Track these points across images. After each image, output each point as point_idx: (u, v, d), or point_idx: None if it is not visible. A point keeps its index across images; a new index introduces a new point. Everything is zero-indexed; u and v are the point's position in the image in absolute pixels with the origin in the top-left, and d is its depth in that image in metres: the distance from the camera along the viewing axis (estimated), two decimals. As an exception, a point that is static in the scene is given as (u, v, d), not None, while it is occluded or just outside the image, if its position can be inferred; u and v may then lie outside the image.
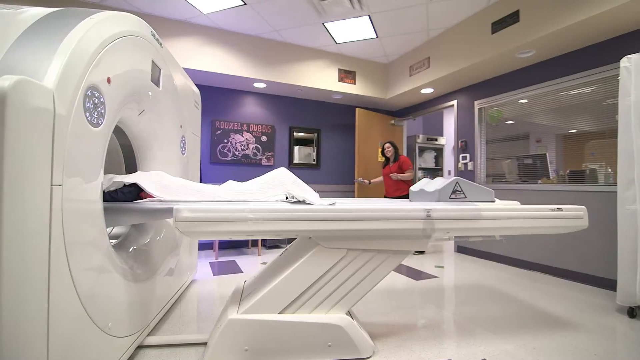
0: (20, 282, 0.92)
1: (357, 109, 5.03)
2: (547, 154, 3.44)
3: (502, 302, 2.48)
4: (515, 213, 1.73)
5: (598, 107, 3.03)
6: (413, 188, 2.15)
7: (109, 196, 1.62)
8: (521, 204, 1.91)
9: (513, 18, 3.14)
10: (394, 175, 4.05)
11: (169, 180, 1.73)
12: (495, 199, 1.93)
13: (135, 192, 1.69)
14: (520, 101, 3.73)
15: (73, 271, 1.11)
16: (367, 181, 4.56)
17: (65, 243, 1.08)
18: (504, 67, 3.68)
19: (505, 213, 1.71)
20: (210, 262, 3.72)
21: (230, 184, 1.82)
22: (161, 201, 1.61)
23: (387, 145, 4.27)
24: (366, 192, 5.06)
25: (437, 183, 1.96)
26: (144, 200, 1.74)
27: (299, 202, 1.64)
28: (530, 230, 1.80)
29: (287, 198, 1.74)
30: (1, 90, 0.87)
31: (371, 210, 1.54)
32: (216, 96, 4.52)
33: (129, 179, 1.65)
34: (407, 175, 4.04)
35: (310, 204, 1.58)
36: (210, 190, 1.71)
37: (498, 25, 3.29)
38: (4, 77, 0.89)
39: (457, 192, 1.88)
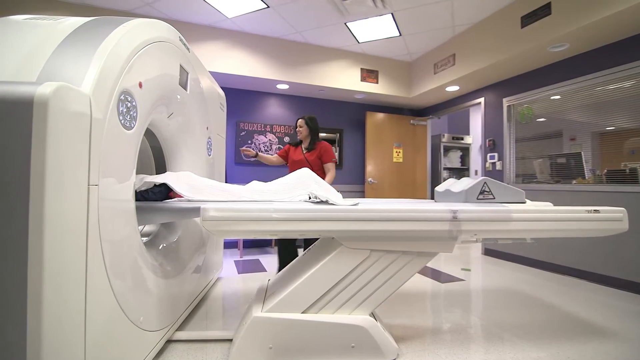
0: (60, 276, 0.97)
1: (367, 112, 5.03)
2: (582, 153, 3.26)
3: (533, 307, 2.38)
4: (548, 215, 1.65)
5: (638, 103, 2.84)
6: (438, 188, 2.09)
7: (140, 196, 1.69)
8: (554, 205, 1.82)
9: (544, 11, 3.00)
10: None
11: (197, 181, 1.78)
12: (526, 199, 1.86)
13: (165, 192, 1.76)
14: (552, 97, 3.56)
15: (108, 267, 1.17)
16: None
17: (101, 240, 1.13)
18: (535, 62, 3.53)
19: (537, 215, 1.64)
20: (235, 261, 3.80)
21: (255, 184, 1.85)
22: (189, 201, 1.66)
23: (300, 121, 2.90)
24: (378, 193, 5.00)
25: (464, 183, 1.91)
26: (173, 199, 1.80)
27: (322, 202, 1.64)
28: (564, 233, 1.72)
29: (310, 198, 1.75)
30: (43, 96, 0.93)
31: (395, 210, 1.52)
32: (240, 98, 4.60)
33: (159, 179, 1.71)
34: (330, 175, 2.80)
35: (333, 204, 1.58)
36: (236, 190, 1.75)
37: (528, 19, 3.15)
38: (46, 84, 0.95)
39: (485, 193, 1.82)
